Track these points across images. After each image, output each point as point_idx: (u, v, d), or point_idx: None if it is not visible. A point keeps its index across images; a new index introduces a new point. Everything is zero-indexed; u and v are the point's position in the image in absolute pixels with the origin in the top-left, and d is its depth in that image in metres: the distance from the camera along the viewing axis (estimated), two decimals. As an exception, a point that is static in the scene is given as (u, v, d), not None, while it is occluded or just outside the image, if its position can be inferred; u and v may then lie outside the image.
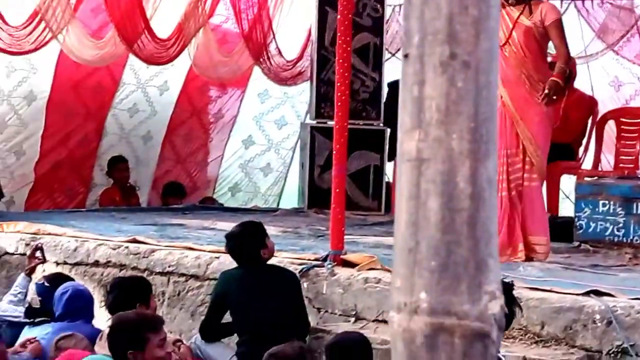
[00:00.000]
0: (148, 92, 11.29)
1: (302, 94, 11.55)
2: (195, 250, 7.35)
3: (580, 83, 9.82)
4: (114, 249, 7.62)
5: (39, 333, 6.02)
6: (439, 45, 1.57)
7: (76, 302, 6.09)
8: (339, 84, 6.74)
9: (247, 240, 6.29)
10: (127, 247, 7.58)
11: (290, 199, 11.58)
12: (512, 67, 6.95)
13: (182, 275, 7.21)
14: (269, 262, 6.41)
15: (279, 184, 12.15)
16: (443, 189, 1.57)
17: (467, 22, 1.54)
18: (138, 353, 4.67)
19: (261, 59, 11.18)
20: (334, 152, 6.75)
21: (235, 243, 6.32)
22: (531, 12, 6.93)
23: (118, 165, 10.96)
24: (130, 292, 5.85)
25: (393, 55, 10.88)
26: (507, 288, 4.94)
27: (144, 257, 7.43)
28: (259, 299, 6.14)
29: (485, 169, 1.53)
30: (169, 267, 7.27)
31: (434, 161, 1.57)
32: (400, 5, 10.93)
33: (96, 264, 7.64)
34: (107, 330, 5.74)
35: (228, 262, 6.66)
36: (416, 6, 1.55)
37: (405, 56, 1.63)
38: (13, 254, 8.07)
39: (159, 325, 4.86)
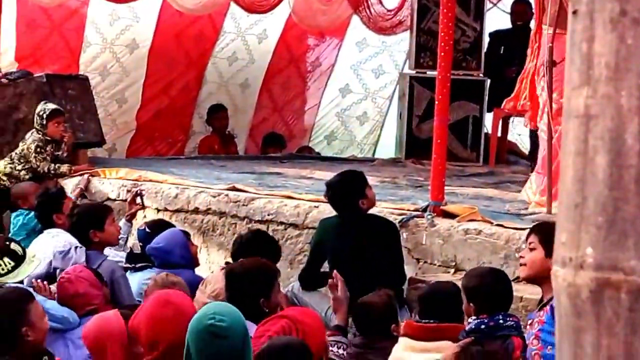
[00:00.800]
0: (247, 40, 11.35)
1: (401, 43, 11.50)
2: (294, 199, 7.37)
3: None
4: (214, 196, 7.68)
5: (141, 278, 6.11)
6: (609, 1, 1.57)
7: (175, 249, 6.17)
8: (442, 34, 6.69)
9: (347, 189, 6.28)
10: (226, 195, 7.63)
11: (386, 149, 11.59)
12: None
13: (281, 223, 7.24)
14: (370, 211, 6.40)
15: (375, 132, 12.16)
16: (611, 146, 1.57)
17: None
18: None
19: (360, 8, 11.14)
20: (436, 102, 6.73)
21: (335, 191, 6.31)
22: None
23: (218, 114, 11.07)
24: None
25: (495, 5, 10.77)
26: None
27: (243, 205, 7.48)
28: (356, 248, 6.14)
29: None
30: (268, 215, 7.30)
31: (602, 118, 1.57)
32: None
33: (196, 211, 7.71)
34: (210, 277, 5.85)
35: (327, 212, 6.68)
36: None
37: (574, 12, 1.64)
38: (115, 199, 8.20)
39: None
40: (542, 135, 6.85)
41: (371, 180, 7.82)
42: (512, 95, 7.20)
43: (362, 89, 12.03)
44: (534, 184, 6.99)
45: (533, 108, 7.05)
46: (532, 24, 7.06)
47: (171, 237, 6.22)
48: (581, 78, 1.60)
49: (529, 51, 7.04)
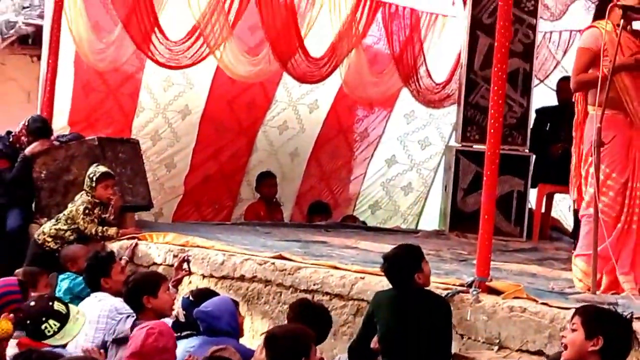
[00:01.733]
0: (299, 109, 11.51)
1: (447, 116, 11.62)
2: (341, 270, 7.39)
3: None
4: (261, 264, 7.70)
5: (186, 346, 6.11)
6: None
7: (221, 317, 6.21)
8: (492, 111, 6.73)
9: (403, 263, 6.31)
10: (273, 263, 7.65)
11: (430, 220, 11.65)
12: None
13: (327, 294, 7.23)
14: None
15: (419, 203, 12.24)
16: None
17: None
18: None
19: (410, 81, 11.30)
20: (485, 178, 6.75)
21: (392, 265, 6.35)
22: None
23: (267, 181, 11.18)
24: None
25: (541, 82, 10.87)
26: (626, 321, 4.94)
27: (289, 274, 7.49)
28: (407, 323, 6.15)
29: None
30: (313, 285, 7.31)
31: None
32: (551, 32, 10.93)
33: (242, 278, 7.73)
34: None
35: (373, 283, 6.70)
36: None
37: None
38: (161, 264, 8.24)
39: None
40: (584, 219, 6.89)
41: (416, 252, 7.86)
42: (577, 184, 7.17)
43: (408, 160, 12.14)
44: (579, 266, 6.97)
45: (579, 191, 7.10)
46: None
47: (221, 303, 6.25)
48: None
49: (576, 134, 7.06)
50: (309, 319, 5.90)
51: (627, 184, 6.83)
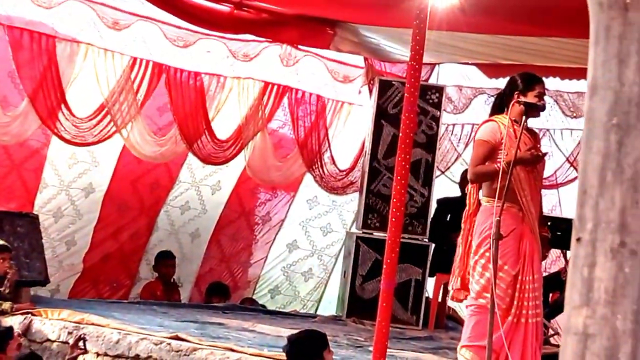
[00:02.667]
0: (201, 190, 11.52)
1: (350, 204, 11.74)
2: (237, 352, 7.39)
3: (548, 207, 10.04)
4: (156, 344, 7.65)
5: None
6: (611, 233, 1.74)
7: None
8: (394, 200, 6.81)
9: (306, 348, 6.35)
10: (169, 344, 7.61)
11: (329, 306, 11.69)
12: (535, 191, 7.08)
13: (222, 376, 7.24)
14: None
15: (319, 289, 12.27)
16: (607, 364, 1.73)
17: (637, 214, 1.72)
18: None
19: (314, 167, 11.41)
20: (384, 266, 6.81)
21: (294, 348, 6.38)
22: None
23: (166, 261, 11.12)
24: None
25: (442, 173, 11.07)
26: None
27: (185, 354, 7.46)
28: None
29: (645, 349, 1.69)
30: (209, 367, 7.31)
31: (600, 337, 1.73)
32: (454, 125, 11.19)
33: (137, 358, 7.67)
34: None
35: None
36: (591, 197, 1.73)
37: (578, 240, 1.81)
38: (55, 340, 8.14)
39: None
40: (470, 310, 6.99)
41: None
42: (459, 274, 7.26)
43: (309, 246, 12.20)
44: (466, 356, 7.05)
45: (462, 281, 7.20)
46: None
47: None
48: (581, 299, 1.76)
49: (465, 225, 7.15)
50: None
51: (518, 277, 6.95)
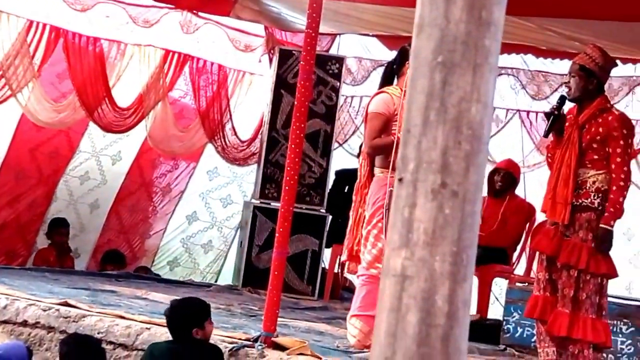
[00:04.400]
0: (101, 160, 11.37)
1: (250, 175, 11.68)
2: (126, 319, 7.33)
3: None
4: (45, 310, 7.54)
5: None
6: (432, 173, 1.71)
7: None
8: (288, 169, 6.80)
9: (189, 316, 6.30)
10: (57, 310, 7.51)
11: (228, 278, 11.63)
12: None
13: (111, 343, 7.14)
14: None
15: (218, 261, 12.19)
16: (422, 305, 1.70)
17: (459, 155, 1.69)
18: None
19: (216, 137, 11.32)
20: (277, 235, 6.80)
21: (176, 314, 6.32)
22: None
23: (59, 229, 10.96)
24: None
25: (341, 145, 11.07)
26: None
27: (74, 321, 7.36)
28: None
29: (462, 291, 1.66)
30: (98, 333, 7.19)
31: (417, 279, 1.70)
32: (352, 97, 11.18)
33: (24, 323, 7.55)
34: None
35: (159, 334, 6.66)
36: (414, 136, 1.70)
37: (400, 180, 1.78)
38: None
39: None
40: (362, 279, 7.02)
41: (204, 306, 7.85)
42: (348, 246, 7.29)
43: (209, 218, 12.11)
44: (357, 326, 7.08)
45: (349, 252, 7.23)
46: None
47: (12, 348, 6.11)
48: (401, 240, 1.73)
49: (357, 198, 7.18)
50: (83, 353, 5.84)
51: (407, 247, 6.99)
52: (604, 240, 6.74)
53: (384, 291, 1.76)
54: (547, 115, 6.93)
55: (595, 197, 6.76)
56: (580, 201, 6.79)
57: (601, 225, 6.73)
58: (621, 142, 6.77)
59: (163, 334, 6.47)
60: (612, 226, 6.74)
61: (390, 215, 1.82)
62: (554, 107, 6.86)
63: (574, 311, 6.74)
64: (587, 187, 6.78)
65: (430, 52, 1.74)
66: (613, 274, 6.87)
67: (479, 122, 1.72)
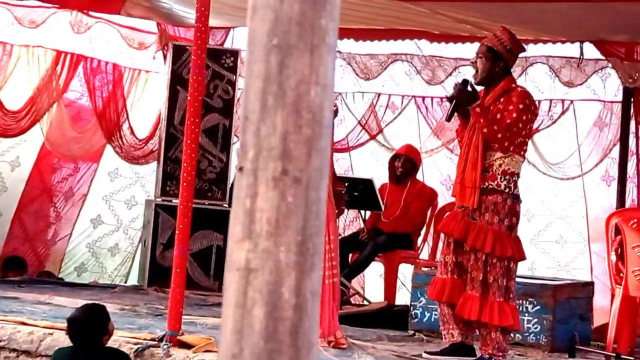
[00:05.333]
0: (0, 167, 11.13)
1: (153, 174, 11.50)
2: (29, 325, 7.21)
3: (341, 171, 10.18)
4: (-55, 319, 7.41)
5: None
6: (273, 160, 1.65)
7: None
8: (185, 164, 6.76)
9: (91, 325, 6.17)
10: (-42, 319, 7.38)
11: (135, 279, 11.48)
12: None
13: (14, 350, 7.06)
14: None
15: (126, 264, 11.99)
16: (268, 299, 1.64)
17: (300, 140, 1.63)
18: None
19: (114, 138, 11.16)
20: (177, 231, 6.74)
21: (77, 328, 6.19)
22: None
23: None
24: None
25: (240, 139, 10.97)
26: None
27: (-25, 330, 7.25)
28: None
29: (310, 281, 1.61)
30: (0, 341, 7.11)
31: (262, 272, 1.64)
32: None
33: None
34: None
35: (62, 339, 6.56)
36: (253, 122, 1.64)
37: (240, 169, 1.71)
38: None
39: None
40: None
41: (111, 307, 7.73)
42: None
43: (114, 220, 11.91)
44: None
45: None
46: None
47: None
48: (244, 232, 1.67)
49: None
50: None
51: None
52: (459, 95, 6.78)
53: (229, 286, 1.69)
54: (450, 99, 6.94)
55: (502, 180, 6.79)
56: (487, 184, 6.81)
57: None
58: (514, 115, 6.79)
59: (67, 339, 6.36)
60: (474, 109, 6.73)
61: (232, 207, 1.76)
62: (456, 90, 6.87)
63: (483, 294, 6.77)
64: (494, 170, 6.81)
65: (265, 35, 1.68)
66: (519, 256, 6.91)
67: (319, 105, 1.66)
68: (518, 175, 6.92)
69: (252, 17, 1.69)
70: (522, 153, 6.93)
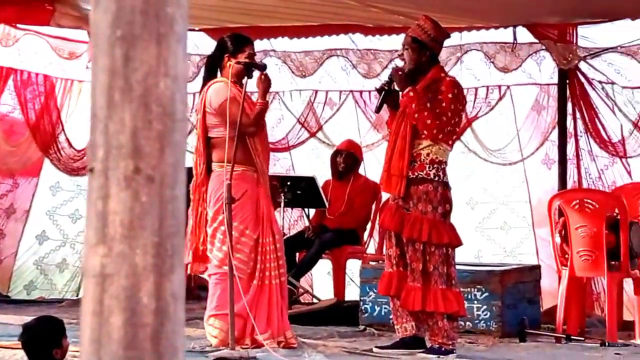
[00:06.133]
0: (-62, 185, 10.95)
1: (95, 185, 11.35)
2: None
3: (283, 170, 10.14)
4: None
5: None
6: (123, 159, 1.56)
7: None
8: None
9: (45, 336, 6.07)
10: None
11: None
12: (266, 152, 7.16)
13: (-43, 371, 6.94)
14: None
15: (75, 279, 11.80)
16: (126, 305, 1.55)
17: (151, 136, 1.54)
18: None
19: (50, 150, 11.00)
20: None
21: (31, 337, 6.09)
22: None
23: None
24: None
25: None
26: None
27: None
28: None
29: (171, 284, 1.52)
30: (-56, 364, 6.99)
31: (118, 277, 1.55)
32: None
33: None
34: None
35: (8, 357, 6.45)
36: (101, 120, 1.55)
37: (91, 170, 1.63)
38: None
39: None
40: (214, 278, 6.94)
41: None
42: (192, 247, 7.18)
43: (59, 235, 11.72)
44: (216, 325, 6.98)
45: (194, 253, 7.16)
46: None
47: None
48: (97, 236, 1.58)
49: (194, 196, 7.05)
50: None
51: (259, 240, 6.94)
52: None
53: (86, 294, 1.60)
54: (379, 90, 6.93)
55: (431, 169, 6.80)
56: (416, 174, 6.82)
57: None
58: (443, 104, 6.79)
59: (12, 356, 6.26)
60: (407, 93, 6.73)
61: (86, 211, 1.67)
62: (386, 82, 6.86)
63: (425, 284, 6.77)
64: (422, 160, 6.82)
65: (108, 27, 1.58)
66: (456, 242, 6.93)
67: (170, 98, 1.57)
68: (446, 163, 6.93)
69: (95, 9, 1.60)
70: (449, 142, 6.95)
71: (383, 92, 6.85)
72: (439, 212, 6.81)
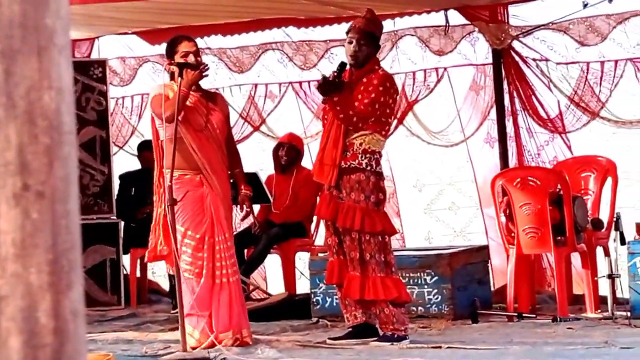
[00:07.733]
0: None
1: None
2: None
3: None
4: None
5: None
6: (11, 176, 1.52)
7: None
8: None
9: None
10: None
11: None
12: (214, 151, 7.11)
13: None
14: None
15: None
16: (24, 326, 1.51)
17: (38, 151, 1.51)
18: None
19: None
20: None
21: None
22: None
23: None
24: None
25: (121, 148, 10.80)
26: None
27: None
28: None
29: (69, 301, 1.48)
30: None
31: (13, 297, 1.51)
32: (123, 97, 10.89)
33: None
34: None
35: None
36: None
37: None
38: None
39: None
40: (187, 275, 6.90)
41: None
42: (151, 246, 7.18)
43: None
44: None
45: (152, 251, 7.19)
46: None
47: None
48: None
49: (155, 198, 7.08)
50: None
51: (204, 239, 6.93)
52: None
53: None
54: (327, 81, 6.94)
55: (363, 158, 6.85)
56: (348, 163, 6.87)
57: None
58: (372, 96, 6.83)
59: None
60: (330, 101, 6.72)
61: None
62: (334, 72, 6.87)
63: (363, 272, 6.81)
64: (354, 149, 6.87)
65: (-16, 42, 1.55)
66: (390, 230, 7.00)
67: (56, 111, 1.54)
68: (380, 154, 6.98)
69: None
70: (383, 133, 6.99)
71: (331, 84, 6.82)
72: (371, 200, 6.85)
